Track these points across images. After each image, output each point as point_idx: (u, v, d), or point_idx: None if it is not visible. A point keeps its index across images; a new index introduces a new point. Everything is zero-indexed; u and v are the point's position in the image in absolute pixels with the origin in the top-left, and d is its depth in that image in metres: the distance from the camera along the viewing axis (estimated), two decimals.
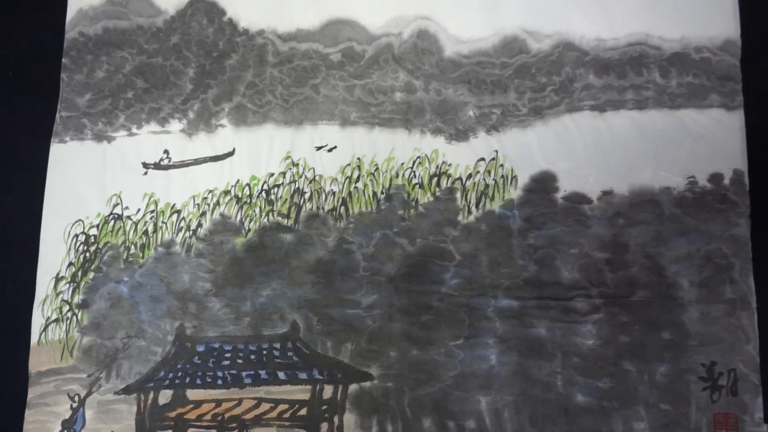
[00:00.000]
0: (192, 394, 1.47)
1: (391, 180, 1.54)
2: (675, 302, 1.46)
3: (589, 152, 1.53)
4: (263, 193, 1.55)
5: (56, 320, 1.52)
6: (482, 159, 1.54)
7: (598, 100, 1.54)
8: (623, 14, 1.56)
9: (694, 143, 1.51)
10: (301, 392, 1.46)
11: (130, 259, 1.54)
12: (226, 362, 1.48)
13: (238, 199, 1.55)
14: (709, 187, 1.50)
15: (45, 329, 1.51)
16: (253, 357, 1.48)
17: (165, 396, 1.47)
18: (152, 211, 1.55)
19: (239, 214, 1.55)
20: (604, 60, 1.55)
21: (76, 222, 1.55)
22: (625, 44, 1.56)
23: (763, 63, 1.56)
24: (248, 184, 1.55)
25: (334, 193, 1.54)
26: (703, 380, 1.44)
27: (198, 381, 1.47)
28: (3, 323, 1.54)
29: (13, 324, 1.53)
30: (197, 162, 1.57)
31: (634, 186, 1.51)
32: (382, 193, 1.54)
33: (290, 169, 1.56)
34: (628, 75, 1.55)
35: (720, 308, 1.46)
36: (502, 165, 1.53)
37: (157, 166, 1.57)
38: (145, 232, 1.55)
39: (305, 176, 1.55)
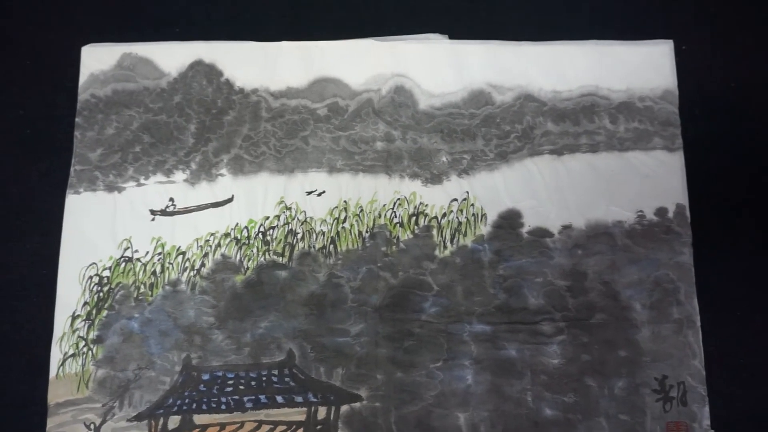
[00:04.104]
0: (198, 419, 1.57)
1: (374, 220, 1.68)
2: (629, 323, 1.61)
3: (549, 191, 1.68)
4: (260, 234, 1.67)
5: (73, 355, 1.61)
6: (455, 199, 1.68)
7: (556, 144, 1.70)
8: (575, 69, 1.73)
9: (641, 181, 1.68)
10: (297, 414, 1.57)
11: (140, 297, 1.65)
12: (229, 389, 1.58)
13: (237, 241, 1.67)
14: (656, 220, 1.66)
15: (63, 364, 1.61)
16: (253, 383, 1.59)
17: (174, 421, 1.57)
18: (159, 254, 1.67)
19: (238, 254, 1.66)
20: (561, 109, 1.72)
21: (90, 265, 1.65)
22: (578, 95, 1.72)
23: (697, 109, 1.74)
24: (246, 227, 1.68)
25: (323, 233, 1.67)
26: (656, 392, 1.58)
27: (204, 407, 1.57)
28: (24, 359, 1.65)
29: (33, 360, 1.63)
30: (200, 208, 1.69)
31: (590, 220, 1.66)
32: (366, 232, 1.67)
33: (284, 212, 1.68)
34: (581, 122, 1.71)
35: (669, 327, 1.61)
36: (472, 204, 1.68)
37: (164, 212, 1.68)
38: (154, 273, 1.66)
39: (297, 219, 1.68)
